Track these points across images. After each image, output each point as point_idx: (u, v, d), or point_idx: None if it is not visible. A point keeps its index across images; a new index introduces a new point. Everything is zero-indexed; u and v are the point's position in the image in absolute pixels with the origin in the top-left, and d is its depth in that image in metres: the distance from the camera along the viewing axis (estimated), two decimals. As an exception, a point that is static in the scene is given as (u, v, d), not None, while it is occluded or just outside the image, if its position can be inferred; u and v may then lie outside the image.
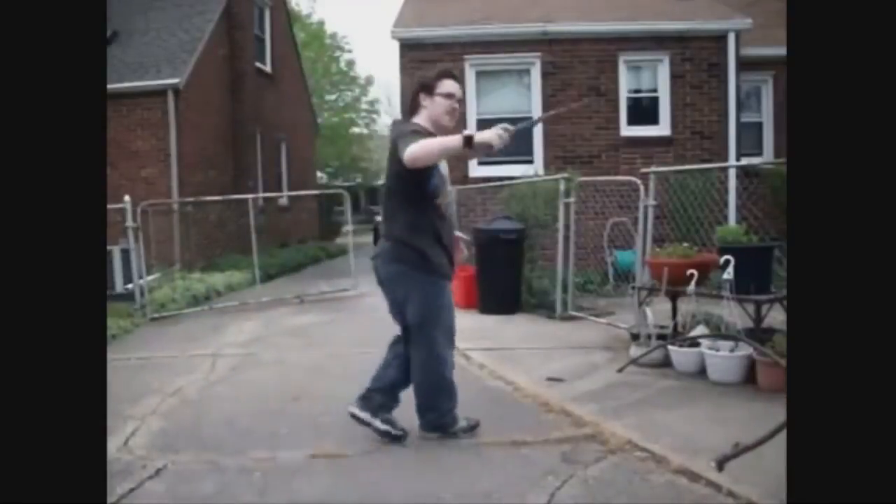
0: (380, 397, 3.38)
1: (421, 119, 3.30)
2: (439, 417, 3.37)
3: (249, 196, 9.79)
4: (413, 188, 3.16)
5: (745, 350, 4.16)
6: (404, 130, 3.14)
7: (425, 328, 3.24)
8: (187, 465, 3.16)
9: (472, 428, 3.47)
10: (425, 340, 3.25)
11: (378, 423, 3.34)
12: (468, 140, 2.87)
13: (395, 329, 3.41)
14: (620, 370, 4.53)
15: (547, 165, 9.31)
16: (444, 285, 3.29)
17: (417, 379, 3.33)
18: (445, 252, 3.27)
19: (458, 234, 3.53)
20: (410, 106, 3.35)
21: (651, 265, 5.09)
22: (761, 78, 10.45)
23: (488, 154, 2.94)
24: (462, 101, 3.35)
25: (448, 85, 3.26)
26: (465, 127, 9.50)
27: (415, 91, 3.34)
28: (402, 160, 2.97)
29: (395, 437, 3.34)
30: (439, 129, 3.27)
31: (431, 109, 3.27)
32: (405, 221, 3.21)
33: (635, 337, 4.96)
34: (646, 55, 9.64)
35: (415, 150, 2.92)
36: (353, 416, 3.37)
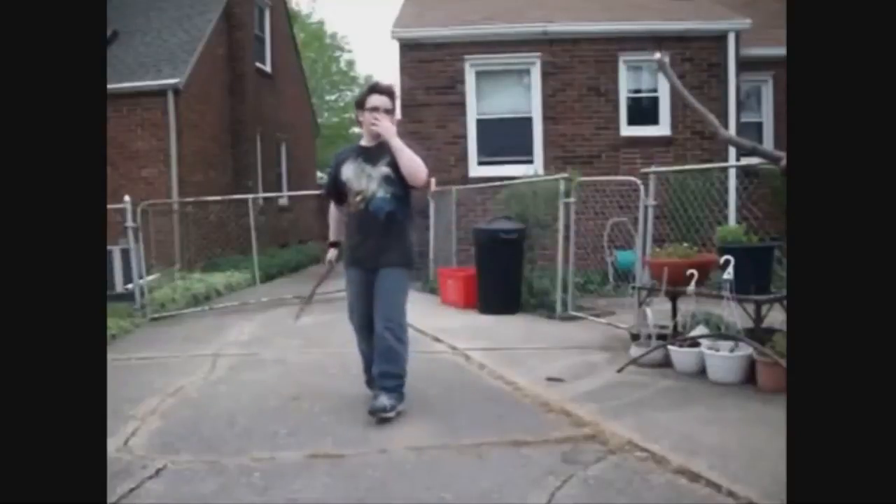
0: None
1: (364, 132, 3.90)
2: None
3: (249, 196, 9.78)
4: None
5: (745, 350, 4.16)
6: (330, 167, 4.01)
7: None
8: (187, 465, 3.15)
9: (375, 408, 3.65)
10: None
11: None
12: (331, 245, 4.13)
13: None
14: (620, 370, 4.53)
15: (547, 165, 9.31)
16: (349, 273, 3.90)
17: None
18: (353, 242, 3.84)
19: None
20: (357, 121, 4.04)
21: (651, 265, 5.09)
22: (761, 78, 10.44)
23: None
24: (392, 111, 3.82)
25: (371, 100, 3.76)
26: (464, 128, 9.54)
27: (355, 107, 3.97)
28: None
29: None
30: (372, 137, 3.80)
31: (364, 123, 3.82)
32: None
33: (635, 337, 4.95)
34: (646, 55, 9.63)
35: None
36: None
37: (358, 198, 3.76)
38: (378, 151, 3.78)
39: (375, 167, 3.74)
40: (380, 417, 3.59)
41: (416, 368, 3.94)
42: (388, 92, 3.83)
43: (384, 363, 3.70)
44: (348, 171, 3.80)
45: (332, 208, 4.06)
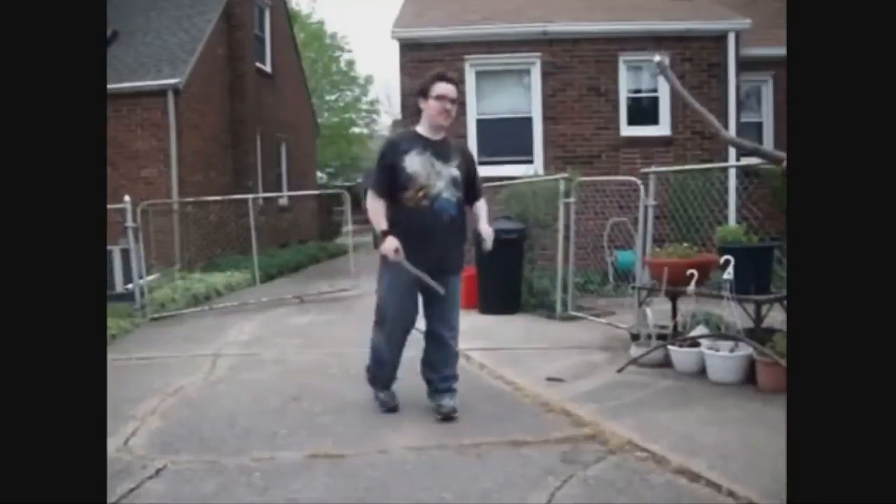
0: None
1: (421, 121, 3.65)
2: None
3: (249, 196, 9.78)
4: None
5: (745, 350, 4.16)
6: (379, 156, 3.65)
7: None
8: (187, 465, 3.16)
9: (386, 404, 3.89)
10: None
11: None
12: (383, 235, 3.51)
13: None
14: (620, 370, 4.53)
15: (547, 165, 9.31)
16: (398, 271, 3.53)
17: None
18: (410, 243, 3.49)
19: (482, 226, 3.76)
20: (415, 109, 3.75)
21: (651, 265, 5.09)
22: (761, 78, 10.43)
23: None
24: (456, 102, 3.63)
25: (440, 87, 3.55)
26: (464, 128, 9.53)
27: (415, 96, 3.73)
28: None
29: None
30: (435, 129, 3.59)
31: (427, 111, 3.59)
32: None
33: (635, 337, 4.95)
34: (646, 55, 9.62)
35: (367, 206, 3.62)
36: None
37: (420, 193, 3.50)
38: (446, 149, 3.61)
39: (446, 166, 3.56)
40: (450, 416, 3.68)
41: (416, 369, 3.94)
42: (454, 81, 3.64)
43: (450, 367, 3.81)
44: (415, 163, 3.50)
45: (374, 200, 3.59)
